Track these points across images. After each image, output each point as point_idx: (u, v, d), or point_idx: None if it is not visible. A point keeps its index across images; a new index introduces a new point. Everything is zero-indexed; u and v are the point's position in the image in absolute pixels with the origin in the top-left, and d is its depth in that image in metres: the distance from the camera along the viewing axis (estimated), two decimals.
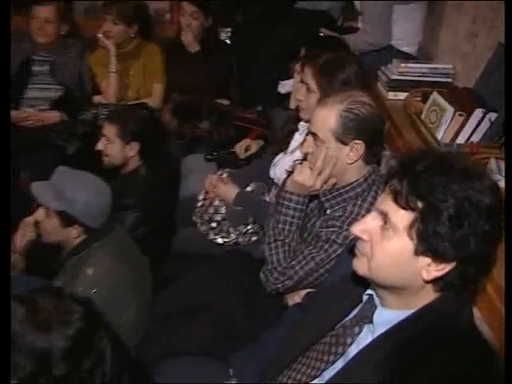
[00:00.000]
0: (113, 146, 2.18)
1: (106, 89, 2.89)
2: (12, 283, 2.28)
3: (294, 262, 1.55)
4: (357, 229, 1.04)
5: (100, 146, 2.20)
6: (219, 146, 2.57)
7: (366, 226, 1.02)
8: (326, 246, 1.49)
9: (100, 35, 2.84)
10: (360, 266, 1.05)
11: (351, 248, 1.11)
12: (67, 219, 1.72)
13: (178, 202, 2.39)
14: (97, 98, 2.94)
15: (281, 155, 2.08)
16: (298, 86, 1.98)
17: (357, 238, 1.05)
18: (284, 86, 2.78)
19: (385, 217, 0.98)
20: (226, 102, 2.93)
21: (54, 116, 2.87)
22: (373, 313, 1.09)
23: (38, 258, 2.19)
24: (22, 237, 2.16)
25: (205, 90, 2.93)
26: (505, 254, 0.99)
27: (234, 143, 2.56)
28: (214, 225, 2.06)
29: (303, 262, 1.53)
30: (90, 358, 1.31)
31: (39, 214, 1.76)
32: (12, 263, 2.77)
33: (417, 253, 0.94)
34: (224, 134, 2.70)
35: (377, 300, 1.09)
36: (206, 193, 2.15)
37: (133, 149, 2.20)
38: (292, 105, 2.17)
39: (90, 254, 1.77)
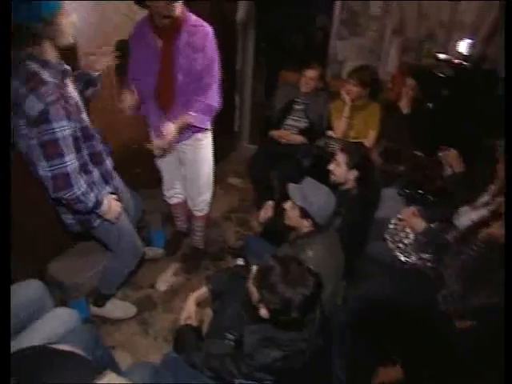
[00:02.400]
0: (340, 169, 2.13)
1: (337, 127, 2.87)
2: (249, 241, 2.42)
3: (469, 294, 1.35)
4: None
5: (331, 166, 2.17)
6: (410, 186, 2.37)
7: None
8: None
9: (342, 91, 2.83)
10: None
11: None
12: (304, 213, 1.74)
13: (373, 219, 2.26)
14: (329, 133, 2.93)
15: (466, 207, 1.83)
16: None
17: None
18: None
19: None
20: (421, 154, 2.70)
21: (299, 139, 2.94)
22: None
23: (271, 230, 2.27)
24: (265, 213, 2.26)
25: (407, 142, 2.74)
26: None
27: (422, 186, 2.34)
28: (401, 245, 1.90)
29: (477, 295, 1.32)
30: (312, 314, 1.32)
31: (288, 204, 1.79)
32: (253, 227, 2.96)
33: None
34: (415, 178, 2.49)
35: None
36: (399, 219, 2.00)
37: (352, 174, 2.14)
38: None
39: (312, 241, 1.76)
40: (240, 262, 2.43)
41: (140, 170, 2.63)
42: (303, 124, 2.96)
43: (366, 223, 2.10)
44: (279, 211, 2.14)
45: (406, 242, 1.89)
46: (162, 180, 2.45)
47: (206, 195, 2.39)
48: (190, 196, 2.41)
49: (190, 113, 1.96)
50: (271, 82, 3.78)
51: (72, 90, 1.50)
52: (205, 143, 2.20)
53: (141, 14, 2.50)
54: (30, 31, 1.31)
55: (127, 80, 2.15)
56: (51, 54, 1.41)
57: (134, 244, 1.97)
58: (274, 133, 2.97)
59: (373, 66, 3.20)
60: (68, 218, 1.69)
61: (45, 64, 1.36)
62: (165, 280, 2.49)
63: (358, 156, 2.15)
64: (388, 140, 2.81)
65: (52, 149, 1.35)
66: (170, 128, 1.90)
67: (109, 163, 1.73)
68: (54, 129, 1.33)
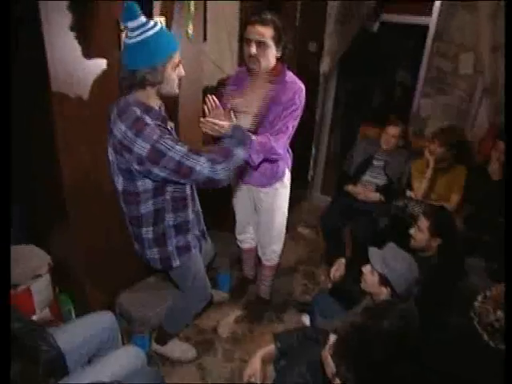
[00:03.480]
0: (422, 235, 2.02)
1: (418, 188, 2.75)
2: (317, 298, 2.34)
3: None
4: None
5: (412, 231, 2.06)
6: (499, 259, 2.17)
7: None
8: None
9: (426, 152, 2.73)
10: None
11: None
12: (383, 281, 1.65)
13: (455, 292, 2.08)
14: (408, 193, 2.81)
15: None
16: None
17: None
18: None
19: None
20: None
21: (376, 196, 2.86)
22: None
23: (341, 289, 2.18)
24: (337, 271, 2.18)
25: (494, 210, 2.54)
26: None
27: None
28: (489, 329, 1.71)
29: None
30: None
31: (366, 268, 1.72)
32: (321, 282, 2.88)
33: None
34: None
35: None
36: (487, 297, 1.82)
37: (435, 242, 2.01)
38: None
39: (389, 311, 1.65)
40: (306, 319, 2.36)
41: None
42: (381, 181, 2.89)
43: (447, 296, 1.94)
44: (353, 272, 2.06)
45: (497, 326, 1.70)
46: (236, 223, 2.49)
47: (277, 246, 2.38)
48: (261, 244, 2.42)
49: (253, 136, 1.87)
50: (349, 135, 3.79)
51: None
52: (282, 193, 2.22)
53: (228, 62, 2.66)
54: (140, 77, 1.43)
55: None
56: (154, 101, 1.53)
57: (204, 288, 1.99)
58: (351, 188, 2.93)
59: (459, 126, 3.09)
60: (153, 253, 1.74)
61: (148, 110, 1.48)
62: (227, 326, 2.47)
63: (442, 223, 2.04)
64: (473, 206, 2.64)
65: (183, 169, 1.41)
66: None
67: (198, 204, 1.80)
68: (172, 156, 1.40)
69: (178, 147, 1.42)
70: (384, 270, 1.63)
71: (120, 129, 1.43)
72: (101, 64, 1.84)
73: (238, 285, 2.73)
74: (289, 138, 2.03)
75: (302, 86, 1.95)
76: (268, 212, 2.25)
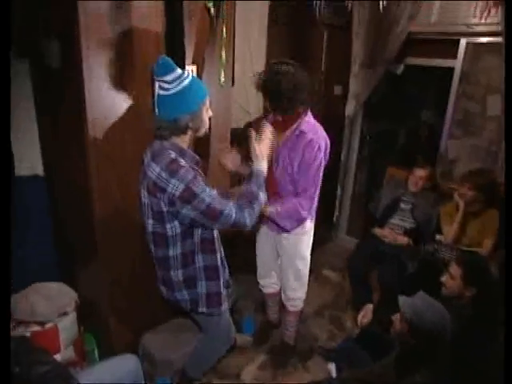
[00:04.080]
0: (454, 283, 1.94)
1: (448, 233, 2.67)
2: (344, 345, 2.26)
3: None
4: None
5: (443, 279, 1.99)
6: None
7: None
8: None
9: (456, 195, 2.68)
10: None
11: None
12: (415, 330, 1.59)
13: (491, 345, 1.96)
14: (438, 237, 2.73)
15: None
16: None
17: None
18: None
19: None
20: None
21: (404, 240, 2.80)
22: None
23: (369, 336, 2.11)
24: (364, 317, 2.12)
25: None
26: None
27: None
28: None
29: None
30: None
31: (396, 317, 1.67)
32: (347, 328, 2.78)
33: None
34: None
35: None
36: None
37: (469, 291, 1.93)
38: None
39: (419, 361, 1.58)
40: (332, 367, 2.27)
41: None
42: (409, 224, 2.84)
43: (483, 350, 1.84)
44: (381, 318, 2.00)
45: None
46: (257, 267, 2.47)
47: (301, 292, 2.34)
48: (284, 290, 2.37)
49: (278, 207, 1.95)
50: (375, 176, 3.78)
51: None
52: (303, 240, 2.19)
53: (254, 104, 2.74)
54: (183, 124, 1.50)
55: None
56: (187, 144, 1.59)
57: (228, 332, 1.96)
58: (378, 231, 2.88)
59: (489, 168, 3.03)
60: (183, 295, 1.73)
61: (183, 153, 1.54)
62: (251, 372, 2.40)
63: (476, 270, 1.95)
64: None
65: (213, 211, 1.46)
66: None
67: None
68: (203, 198, 1.45)
69: (208, 190, 1.47)
70: (414, 319, 1.57)
71: (154, 170, 1.48)
72: (133, 110, 1.94)
73: (262, 329, 2.67)
74: (316, 191, 2.01)
75: (323, 135, 1.95)
76: (290, 258, 2.23)
